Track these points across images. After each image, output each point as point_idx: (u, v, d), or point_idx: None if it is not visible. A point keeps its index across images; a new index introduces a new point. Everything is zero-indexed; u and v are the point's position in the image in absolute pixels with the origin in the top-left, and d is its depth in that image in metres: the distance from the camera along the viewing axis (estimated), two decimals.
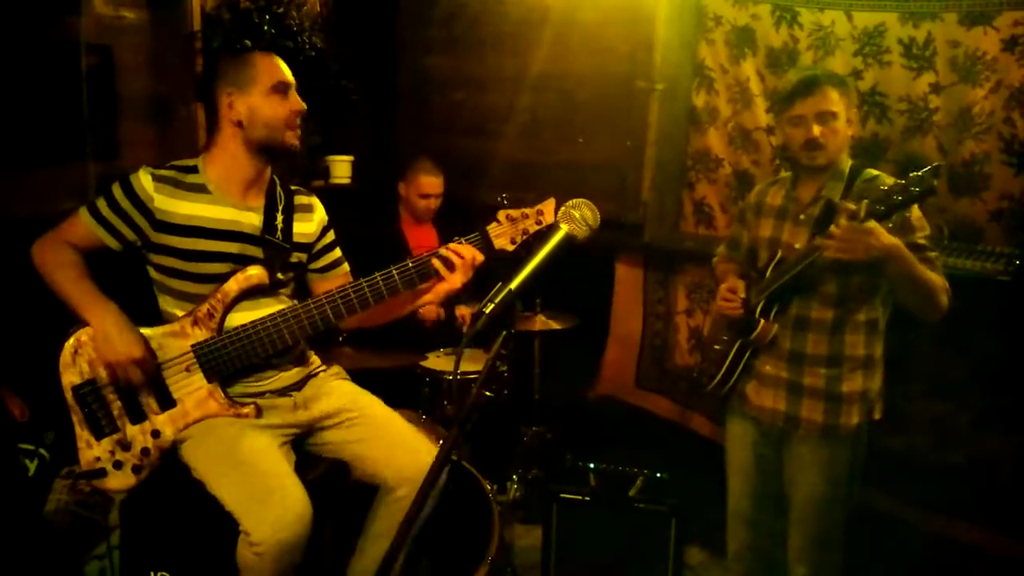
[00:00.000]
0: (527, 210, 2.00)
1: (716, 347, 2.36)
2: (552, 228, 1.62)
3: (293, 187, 2.22)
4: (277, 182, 2.15)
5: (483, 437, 2.86)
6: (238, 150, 2.04)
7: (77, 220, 2.02)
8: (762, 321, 2.17)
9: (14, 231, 2.11)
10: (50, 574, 2.43)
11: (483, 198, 3.85)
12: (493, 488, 2.68)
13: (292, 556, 1.84)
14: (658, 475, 2.77)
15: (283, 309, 2.02)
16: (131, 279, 2.08)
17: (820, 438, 2.15)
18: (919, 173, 1.77)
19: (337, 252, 2.28)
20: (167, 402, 2.02)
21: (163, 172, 2.02)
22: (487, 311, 1.49)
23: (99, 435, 2.00)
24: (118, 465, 2.00)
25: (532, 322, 3.21)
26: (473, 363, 3.11)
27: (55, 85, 2.94)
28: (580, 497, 2.68)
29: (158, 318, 2.07)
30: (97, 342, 1.95)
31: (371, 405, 2.21)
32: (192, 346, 2.01)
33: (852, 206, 1.86)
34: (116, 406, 2.00)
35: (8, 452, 2.49)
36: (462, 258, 1.98)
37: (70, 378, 1.99)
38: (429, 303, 2.10)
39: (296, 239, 2.15)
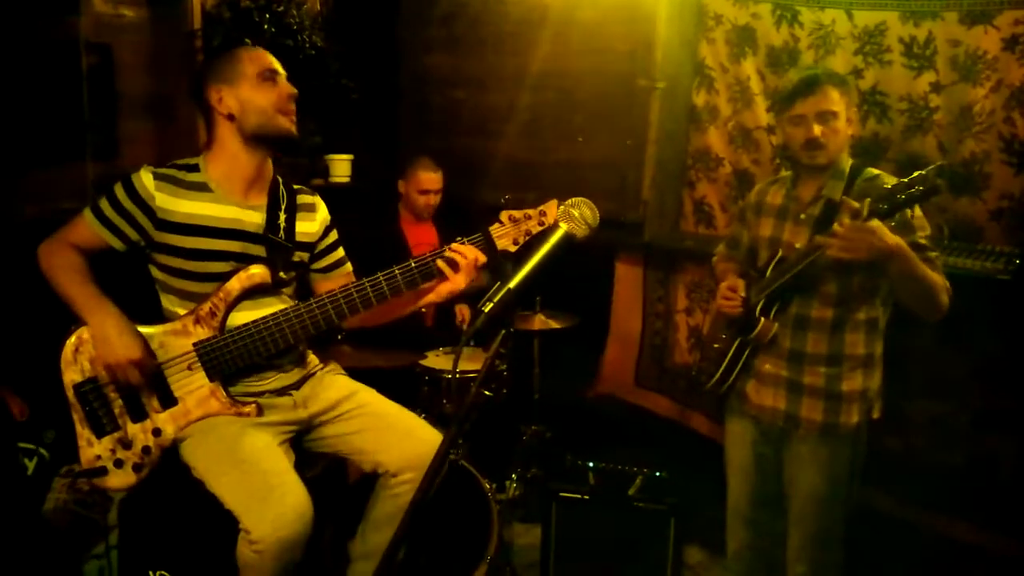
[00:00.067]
0: (529, 211, 1.99)
1: (715, 345, 2.36)
2: (552, 227, 1.62)
3: (296, 186, 2.21)
4: (280, 181, 2.15)
5: (482, 436, 2.87)
6: (236, 146, 2.04)
7: (81, 222, 2.02)
8: (762, 320, 2.17)
9: (14, 231, 2.11)
10: (49, 573, 2.42)
11: (483, 197, 3.86)
12: (492, 487, 2.68)
13: (292, 554, 1.83)
14: (657, 474, 2.76)
15: (285, 308, 2.02)
16: (133, 278, 2.07)
17: (820, 437, 2.15)
18: (923, 172, 1.77)
19: (340, 252, 2.27)
20: (168, 400, 2.01)
21: (164, 171, 2.02)
22: (486, 310, 1.49)
23: (100, 433, 2.00)
24: (119, 463, 2.00)
25: (532, 321, 3.21)
26: (472, 362, 3.12)
27: (55, 84, 2.94)
28: (579, 496, 2.67)
29: (160, 317, 2.07)
30: (96, 344, 1.96)
31: (367, 396, 2.20)
32: (194, 345, 2.01)
33: (855, 204, 1.86)
34: (117, 404, 2.00)
35: (7, 451, 2.49)
36: (465, 258, 1.97)
37: (71, 376, 1.99)
38: (431, 303, 2.09)
39: (299, 238, 2.14)
